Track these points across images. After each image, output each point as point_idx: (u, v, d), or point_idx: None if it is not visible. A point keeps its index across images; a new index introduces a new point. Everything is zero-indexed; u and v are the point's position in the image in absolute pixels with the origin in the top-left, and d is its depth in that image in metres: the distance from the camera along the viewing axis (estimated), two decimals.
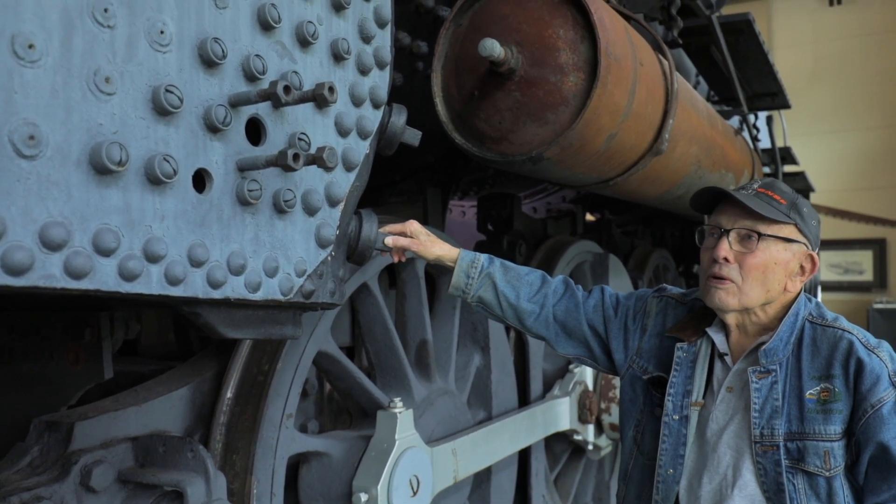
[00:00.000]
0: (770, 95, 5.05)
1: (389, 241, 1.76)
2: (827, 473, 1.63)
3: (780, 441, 1.65)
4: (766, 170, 5.16)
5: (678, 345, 1.81)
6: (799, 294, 1.75)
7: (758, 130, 4.58)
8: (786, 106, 5.19)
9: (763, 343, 1.71)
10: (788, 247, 1.69)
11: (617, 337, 1.92)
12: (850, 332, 1.67)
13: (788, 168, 6.17)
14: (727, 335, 1.78)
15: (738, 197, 1.66)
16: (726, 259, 1.67)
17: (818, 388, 1.65)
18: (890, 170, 13.24)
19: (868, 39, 13.67)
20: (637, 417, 1.89)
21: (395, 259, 1.84)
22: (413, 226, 1.84)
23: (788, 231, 1.69)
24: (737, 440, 1.71)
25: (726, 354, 1.77)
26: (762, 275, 1.67)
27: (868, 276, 13.25)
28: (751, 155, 4.01)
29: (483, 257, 1.90)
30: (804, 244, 1.71)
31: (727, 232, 1.69)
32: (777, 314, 1.74)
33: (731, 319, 1.75)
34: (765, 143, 5.11)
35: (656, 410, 1.82)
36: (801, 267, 1.72)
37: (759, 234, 1.66)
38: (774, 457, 1.65)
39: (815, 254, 1.72)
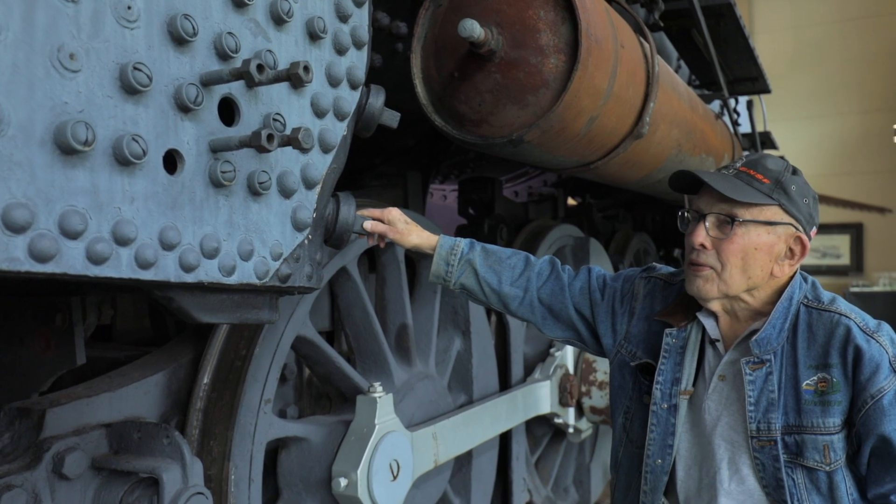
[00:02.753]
0: (750, 80, 5.06)
1: (368, 225, 1.74)
2: (827, 468, 1.55)
3: (778, 435, 1.57)
4: (747, 154, 5.18)
5: (667, 330, 1.73)
6: (793, 277, 1.64)
7: (738, 115, 4.60)
8: (766, 90, 5.20)
9: (755, 331, 1.62)
10: (772, 230, 1.57)
11: (604, 321, 1.86)
12: (847, 316, 1.56)
13: (768, 153, 6.19)
14: (717, 320, 1.69)
15: (710, 180, 1.57)
16: (703, 246, 1.59)
17: (815, 377, 1.56)
18: (868, 155, 13.37)
19: (848, 25, 13.75)
20: (626, 404, 1.83)
21: (375, 244, 1.82)
22: (392, 213, 1.80)
23: (771, 213, 1.57)
24: (731, 433, 1.64)
25: (718, 341, 1.68)
26: (741, 261, 1.57)
27: (845, 259, 13.42)
28: (731, 139, 4.02)
29: (463, 243, 1.85)
30: (791, 225, 1.58)
31: (704, 217, 1.60)
32: (769, 298, 1.64)
33: (716, 306, 1.66)
34: (745, 127, 5.13)
35: (645, 398, 1.76)
36: (791, 250, 1.60)
37: (734, 219, 1.56)
38: (772, 452, 1.58)
39: (803, 235, 1.60)
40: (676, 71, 4.38)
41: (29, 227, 0.96)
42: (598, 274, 1.91)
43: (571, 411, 3.48)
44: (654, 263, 1.94)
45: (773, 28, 13.93)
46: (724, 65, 4.62)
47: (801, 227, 1.60)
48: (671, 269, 1.89)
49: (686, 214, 1.69)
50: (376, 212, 1.79)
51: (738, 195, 1.55)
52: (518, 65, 1.93)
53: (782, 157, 1.66)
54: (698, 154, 3.25)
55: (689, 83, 4.77)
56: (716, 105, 4.42)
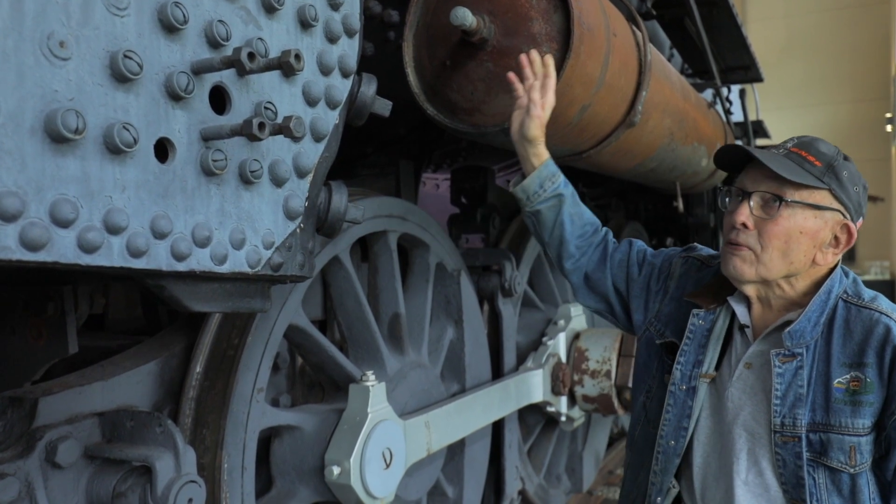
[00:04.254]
0: (743, 69, 5.06)
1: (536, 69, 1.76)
2: (851, 470, 1.48)
3: (803, 432, 1.50)
4: (739, 143, 5.19)
5: (694, 311, 1.68)
6: (835, 268, 1.58)
7: (730, 103, 4.60)
8: (758, 79, 5.21)
9: (789, 321, 1.55)
10: (820, 214, 1.50)
11: (638, 297, 1.82)
12: (888, 316, 1.50)
13: (761, 141, 6.21)
14: (749, 306, 1.63)
15: (761, 157, 1.49)
16: (745, 225, 1.52)
17: (848, 376, 1.49)
18: (859, 144, 13.42)
19: (840, 14, 13.76)
20: (649, 383, 1.79)
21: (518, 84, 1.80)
22: (550, 97, 1.77)
23: (820, 197, 1.50)
24: (753, 424, 1.58)
25: (747, 327, 1.63)
26: (784, 244, 1.50)
27: None
28: (723, 128, 4.03)
29: (562, 177, 1.82)
30: (839, 212, 1.51)
31: (748, 195, 1.52)
32: (806, 289, 1.57)
33: (750, 291, 1.60)
34: (737, 116, 5.14)
35: (666, 377, 1.72)
36: (836, 238, 1.53)
37: (782, 200, 1.49)
38: (795, 449, 1.51)
39: (852, 224, 1.53)
40: (669, 60, 4.38)
41: (20, 216, 0.96)
42: (639, 249, 1.88)
43: (564, 400, 3.50)
44: (695, 244, 1.89)
45: (766, 16, 13.93)
46: (717, 53, 4.63)
47: (849, 215, 1.53)
48: (711, 251, 1.84)
49: (728, 192, 1.62)
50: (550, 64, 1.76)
51: (789, 174, 1.48)
52: (510, 53, 1.93)
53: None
54: (690, 143, 3.25)
55: (682, 72, 4.77)
56: (708, 94, 4.43)
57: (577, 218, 1.83)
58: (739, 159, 1.61)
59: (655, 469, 1.71)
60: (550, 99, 1.76)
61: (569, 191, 1.82)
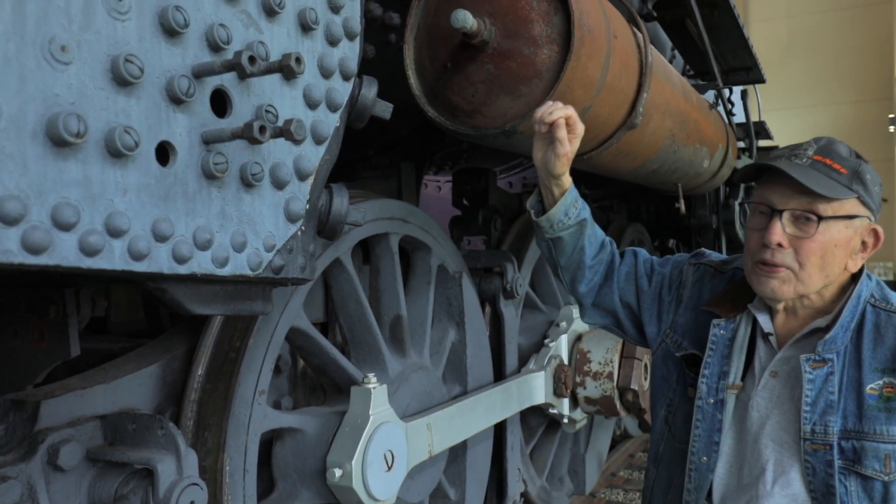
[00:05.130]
0: (745, 70, 5.05)
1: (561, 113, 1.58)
2: (885, 478, 1.46)
3: (834, 440, 1.47)
4: (741, 144, 5.19)
5: (714, 321, 1.64)
6: (861, 273, 1.55)
7: (732, 105, 4.60)
8: (760, 80, 5.20)
9: (818, 328, 1.53)
10: (850, 224, 1.47)
11: (650, 309, 1.78)
12: None
13: (763, 143, 6.21)
14: (772, 314, 1.60)
15: (792, 173, 1.43)
16: (780, 245, 1.46)
17: (881, 382, 1.46)
18: (862, 144, 13.39)
19: (842, 14, 13.75)
20: (669, 397, 1.75)
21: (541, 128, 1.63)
22: (579, 129, 1.61)
23: (850, 206, 1.46)
24: (780, 433, 1.55)
25: (771, 335, 1.60)
26: (821, 259, 1.46)
27: None
28: (725, 129, 4.03)
29: (581, 199, 1.73)
30: (867, 217, 1.49)
31: (779, 213, 1.47)
32: (833, 296, 1.55)
33: (779, 304, 1.57)
34: (739, 117, 5.13)
35: (689, 391, 1.68)
36: (863, 242, 1.52)
37: (820, 217, 1.44)
38: (826, 457, 1.48)
39: (878, 227, 1.51)
40: (671, 61, 4.39)
41: (22, 220, 0.96)
42: (645, 258, 1.84)
43: (566, 402, 3.50)
44: (702, 249, 1.86)
45: (768, 17, 13.93)
46: (718, 54, 4.62)
47: (873, 217, 1.51)
48: (722, 257, 1.81)
49: (755, 208, 1.57)
50: (573, 115, 1.60)
51: (824, 189, 1.43)
52: (511, 55, 1.94)
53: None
54: (692, 144, 3.26)
55: (684, 73, 4.77)
56: (710, 95, 4.42)
57: (594, 239, 1.78)
58: (759, 170, 1.56)
59: (689, 487, 1.66)
60: (579, 130, 1.63)
61: (587, 212, 1.76)
